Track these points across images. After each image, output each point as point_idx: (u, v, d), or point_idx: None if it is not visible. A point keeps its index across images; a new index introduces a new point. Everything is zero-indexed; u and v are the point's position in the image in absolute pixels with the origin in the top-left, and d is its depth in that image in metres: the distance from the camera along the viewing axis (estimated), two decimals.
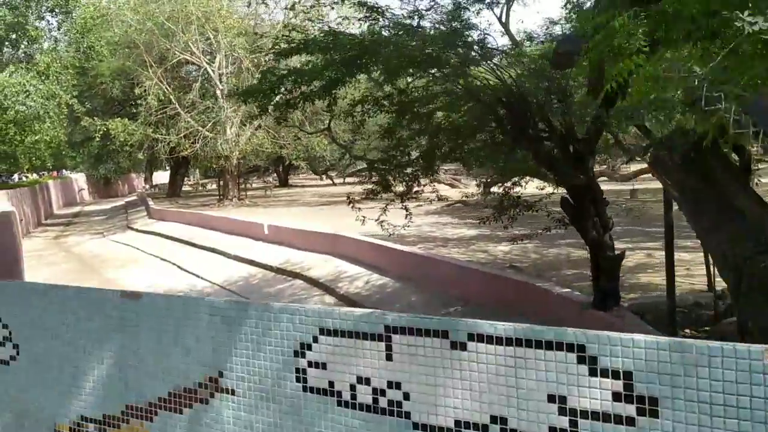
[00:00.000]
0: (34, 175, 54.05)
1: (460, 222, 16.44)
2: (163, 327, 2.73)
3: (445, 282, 9.46)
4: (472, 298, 8.75)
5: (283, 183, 44.49)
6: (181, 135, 25.85)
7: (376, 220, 7.91)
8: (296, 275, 12.93)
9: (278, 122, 7.74)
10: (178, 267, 16.20)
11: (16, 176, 49.09)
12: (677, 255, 6.75)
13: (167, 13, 24.89)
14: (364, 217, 7.79)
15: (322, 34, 6.20)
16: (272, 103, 6.72)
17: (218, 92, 27.17)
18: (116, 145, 26.29)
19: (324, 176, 45.60)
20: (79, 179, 57.44)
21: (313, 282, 12.20)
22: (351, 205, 7.57)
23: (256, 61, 25.37)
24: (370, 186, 7.95)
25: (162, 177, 59.41)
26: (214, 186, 44.77)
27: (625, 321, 5.67)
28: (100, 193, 57.20)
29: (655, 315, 5.87)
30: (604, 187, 6.84)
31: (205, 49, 26.56)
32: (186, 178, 43.49)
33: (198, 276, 14.74)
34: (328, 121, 26.53)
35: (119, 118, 25.65)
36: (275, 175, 50.01)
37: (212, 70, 26.30)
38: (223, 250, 16.48)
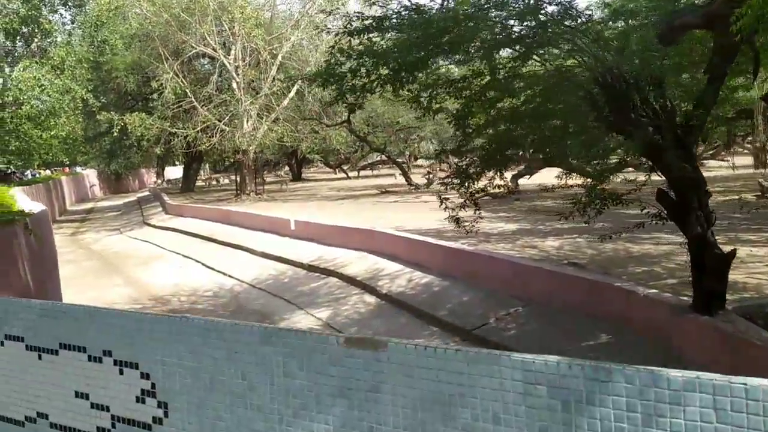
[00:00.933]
0: (47, 171, 53.70)
1: (494, 216, 15.77)
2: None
3: (499, 280, 8.82)
4: (533, 298, 8.12)
5: (296, 177, 43.85)
6: (198, 129, 25.26)
7: (450, 217, 7.20)
8: (330, 273, 12.32)
9: (351, 110, 6.99)
10: (203, 264, 15.64)
11: (29, 172, 48.70)
12: None
13: (185, 4, 24.27)
14: (454, 213, 7.05)
15: (402, 9, 5.53)
16: (348, 87, 6.06)
17: (234, 85, 26.57)
18: (132, 140, 25.76)
19: (337, 169, 45.04)
20: (90, 175, 57.05)
21: (350, 280, 11.59)
22: (442, 204, 6.86)
23: (274, 52, 24.75)
24: (446, 178, 7.20)
25: (173, 172, 59.00)
26: (227, 180, 44.31)
27: (736, 326, 5.03)
28: (111, 188, 56.80)
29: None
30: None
31: (221, 41, 25.91)
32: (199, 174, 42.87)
33: (225, 274, 14.17)
34: (347, 114, 26.07)
35: (136, 113, 25.05)
36: (287, 168, 49.50)
37: (228, 63, 25.68)
38: (249, 246, 15.90)
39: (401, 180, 33.90)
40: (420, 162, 40.14)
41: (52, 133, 24.59)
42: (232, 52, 26.40)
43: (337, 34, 6.13)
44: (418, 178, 28.17)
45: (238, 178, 28.14)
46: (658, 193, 5.51)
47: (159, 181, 52.41)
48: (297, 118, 27.04)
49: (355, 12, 6.09)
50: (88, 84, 27.81)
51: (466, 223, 7.47)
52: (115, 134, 25.01)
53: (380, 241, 12.49)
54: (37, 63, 24.57)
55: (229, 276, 13.96)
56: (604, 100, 4.97)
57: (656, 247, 10.08)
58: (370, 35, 5.78)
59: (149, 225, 25.15)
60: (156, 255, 18.03)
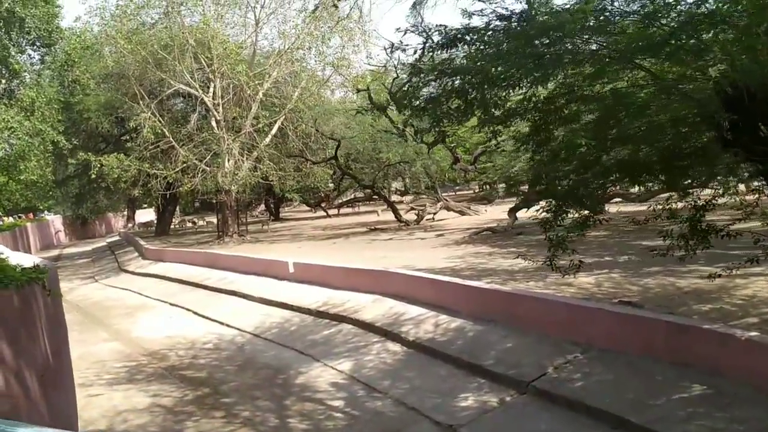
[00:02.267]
0: (9, 218, 51.61)
1: (505, 252, 15.07)
2: None
3: (548, 323, 8.03)
4: (593, 343, 7.33)
5: (275, 216, 42.81)
6: (178, 169, 24.23)
7: (546, 260, 6.36)
8: (343, 319, 11.38)
9: (440, 140, 6.01)
10: (196, 313, 14.56)
11: None
12: None
13: (163, 41, 23.48)
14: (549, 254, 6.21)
15: (495, 18, 4.77)
16: (442, 109, 5.26)
17: (214, 123, 25.70)
18: (105, 183, 24.56)
19: (316, 208, 44.17)
20: (55, 221, 55.14)
21: (367, 326, 10.66)
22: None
23: (257, 88, 24.01)
24: (538, 211, 6.41)
25: (143, 216, 57.39)
26: (202, 222, 43.04)
27: None
28: (77, 234, 54.96)
29: None
30: None
31: (200, 79, 25.10)
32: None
33: (223, 323, 13.12)
34: (335, 149, 25.37)
35: (114, 154, 23.95)
36: (264, 208, 48.51)
37: (208, 100, 24.83)
38: (245, 292, 14.88)
39: (385, 217, 33.20)
40: (395, 198, 39.40)
41: (21, 178, 23.34)
42: (211, 89, 25.60)
43: (415, 51, 5.35)
44: (405, 215, 27.45)
45: (220, 220, 27.01)
46: None
47: (130, 225, 50.71)
48: (280, 156, 26.21)
49: (436, 26, 5.32)
50: (59, 125, 26.73)
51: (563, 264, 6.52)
52: (92, 176, 23.83)
53: (395, 282, 11.62)
54: (5, 105, 23.44)
55: (228, 326, 12.91)
56: (726, 116, 4.27)
57: (705, 281, 9.40)
58: (453, 49, 5.02)
59: (126, 271, 23.89)
60: (140, 304, 16.85)
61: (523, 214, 21.15)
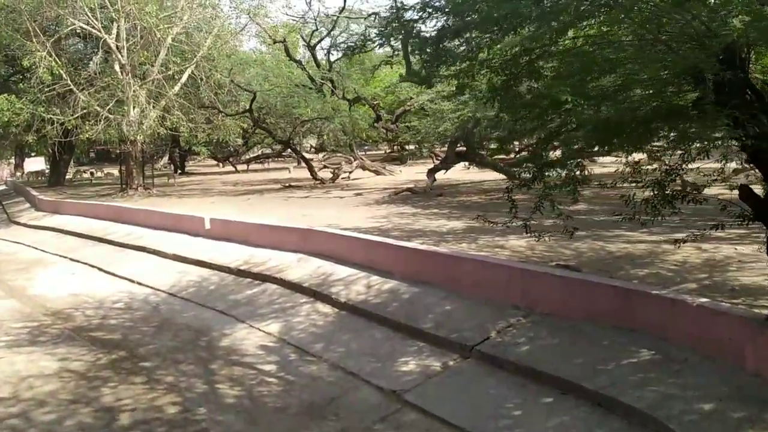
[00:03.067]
0: None
1: (429, 213, 14.93)
2: None
3: (486, 286, 7.88)
4: (535, 308, 7.23)
5: (179, 170, 40.80)
6: (77, 116, 22.38)
7: (524, 222, 6.06)
8: (266, 278, 10.85)
9: (461, 91, 5.29)
10: (102, 270, 13.55)
11: None
12: None
13: None
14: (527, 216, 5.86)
15: None
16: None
17: (117, 67, 23.85)
18: None
19: (223, 163, 42.58)
20: None
21: (294, 287, 10.20)
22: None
23: (168, 33, 22.43)
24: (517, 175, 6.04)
25: (33, 164, 53.43)
26: (100, 174, 40.52)
27: None
28: None
29: None
30: None
31: (103, 18, 23.11)
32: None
33: (134, 281, 12.26)
34: (250, 101, 24.26)
35: (5, 95, 21.71)
36: (169, 161, 46.29)
37: (111, 42, 22.93)
38: (156, 248, 13.97)
39: (298, 174, 32.42)
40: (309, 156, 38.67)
41: None
42: (114, 29, 23.67)
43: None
44: (319, 173, 26.84)
45: (123, 172, 25.38)
46: (742, 190, 4.76)
47: (18, 174, 47.04)
48: (190, 106, 24.79)
49: None
50: None
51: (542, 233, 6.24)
52: None
53: (321, 241, 11.19)
54: None
55: (139, 284, 12.07)
56: (712, 76, 4.08)
57: (634, 246, 9.58)
58: None
59: (18, 223, 22.04)
60: (36, 259, 15.53)
61: (441, 176, 21.20)
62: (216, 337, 8.78)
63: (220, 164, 43.35)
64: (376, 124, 24.05)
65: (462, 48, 4.92)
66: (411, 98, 25.16)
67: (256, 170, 40.88)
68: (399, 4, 4.63)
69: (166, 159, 46.95)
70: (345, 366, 7.26)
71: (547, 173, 5.31)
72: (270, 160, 45.46)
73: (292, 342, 8.31)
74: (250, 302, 10.12)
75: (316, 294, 9.70)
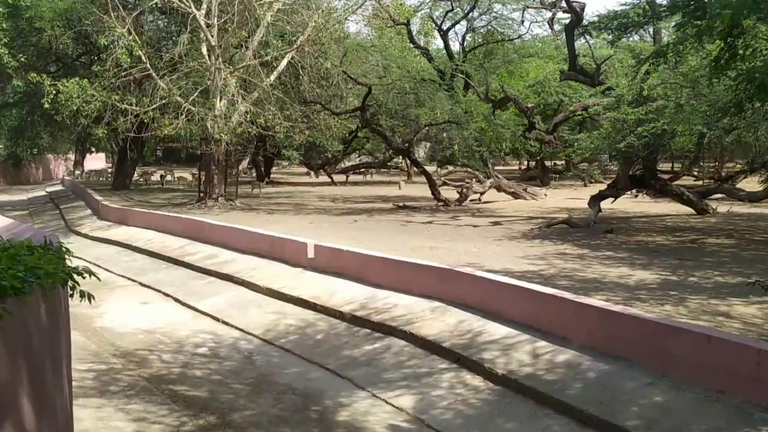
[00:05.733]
0: None
1: (601, 255, 14.06)
2: None
3: (719, 373, 6.95)
4: None
5: (262, 178, 41.58)
6: (155, 106, 23.07)
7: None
8: (391, 330, 10.37)
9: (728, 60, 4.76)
10: (177, 301, 13.67)
11: None
12: None
13: None
14: None
15: None
16: None
17: (205, 50, 24.48)
18: (63, 116, 23.43)
19: (317, 172, 43.10)
20: None
21: (429, 345, 9.63)
22: None
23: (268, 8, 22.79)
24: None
25: (93, 162, 56.42)
26: (170, 177, 42.02)
27: None
28: (8, 178, 53.89)
29: None
30: None
31: None
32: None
33: (219, 320, 12.18)
34: (363, 97, 24.19)
35: (75, 79, 22.73)
36: (249, 166, 47.54)
37: (201, 18, 23.56)
38: (246, 278, 13.91)
39: (410, 191, 32.19)
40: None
41: None
42: (204, 4, 24.34)
43: None
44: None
45: (202, 177, 25.96)
46: None
47: (77, 173, 49.68)
48: (287, 101, 25.03)
49: None
50: (2, 36, 25.57)
51: None
52: (45, 105, 22.66)
53: (466, 286, 10.59)
54: None
55: (226, 323, 11.97)
56: None
57: None
58: None
59: (78, 234, 22.96)
60: (102, 281, 15.78)
61: (604, 205, 20.18)
62: (330, 408, 8.34)
63: (313, 173, 43.92)
64: (527, 134, 23.28)
65: None
66: (565, 100, 24.41)
67: (355, 182, 41.17)
68: None
69: (245, 164, 48.22)
70: None
71: None
72: (373, 170, 45.71)
73: (433, 425, 7.71)
74: (372, 362, 9.66)
75: (460, 359, 9.11)
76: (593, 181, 27.17)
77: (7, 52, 24.08)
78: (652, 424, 6.74)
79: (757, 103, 5.70)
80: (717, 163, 32.62)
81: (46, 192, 41.63)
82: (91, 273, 4.54)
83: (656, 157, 18.49)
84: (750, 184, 24.60)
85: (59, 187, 43.22)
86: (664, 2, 12.90)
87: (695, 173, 29.15)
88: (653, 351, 7.71)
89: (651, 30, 22.27)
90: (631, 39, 27.68)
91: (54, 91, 21.94)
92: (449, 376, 8.83)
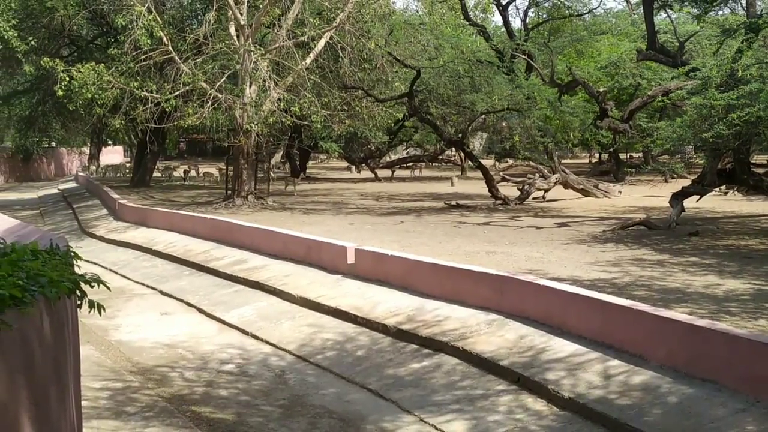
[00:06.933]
0: None
1: (684, 261, 13.93)
2: None
3: None
4: None
5: (297, 173, 41.91)
6: (178, 93, 23.40)
7: None
8: (441, 346, 10.41)
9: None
10: (201, 311, 13.93)
11: None
12: None
13: None
14: None
15: None
16: None
17: (232, 30, 24.78)
18: (77, 104, 23.94)
19: (359, 167, 43.40)
20: None
21: (485, 364, 9.65)
22: None
23: None
24: None
25: (109, 156, 57.55)
26: (194, 173, 42.63)
27: None
28: (17, 174, 55.22)
29: None
30: None
31: None
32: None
33: (246, 332, 12.37)
34: (411, 81, 24.28)
35: (91, 64, 23.20)
36: (283, 160, 48.02)
37: None
38: (279, 287, 14.07)
39: (463, 187, 32.24)
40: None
41: None
42: None
43: None
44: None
45: (230, 172, 26.28)
46: None
47: (93, 168, 50.71)
48: (325, 86, 25.20)
49: None
50: (10, 15, 26.16)
51: None
52: (58, 93, 23.17)
53: (527, 296, 10.60)
54: None
55: (255, 337, 12.18)
56: None
57: None
58: None
59: (92, 236, 23.45)
60: (118, 288, 16.13)
61: (688, 203, 19.93)
62: None
63: (354, 168, 44.22)
64: (599, 123, 23.14)
65: None
66: (643, 83, 24.16)
67: (402, 178, 41.34)
68: None
69: (278, 157, 48.75)
70: None
71: None
72: (422, 165, 45.82)
73: None
74: (419, 382, 9.71)
75: (520, 379, 9.13)
76: (675, 176, 26.80)
77: (15, 34, 24.61)
78: None
79: None
80: None
81: (59, 190, 42.64)
82: (100, 282, 4.56)
83: (749, 148, 18.15)
84: None
85: (73, 184, 44.26)
86: None
87: None
88: (745, 373, 7.64)
89: (743, 1, 21.92)
90: (720, 12, 27.29)
91: (67, 78, 22.44)
92: (508, 399, 8.86)
